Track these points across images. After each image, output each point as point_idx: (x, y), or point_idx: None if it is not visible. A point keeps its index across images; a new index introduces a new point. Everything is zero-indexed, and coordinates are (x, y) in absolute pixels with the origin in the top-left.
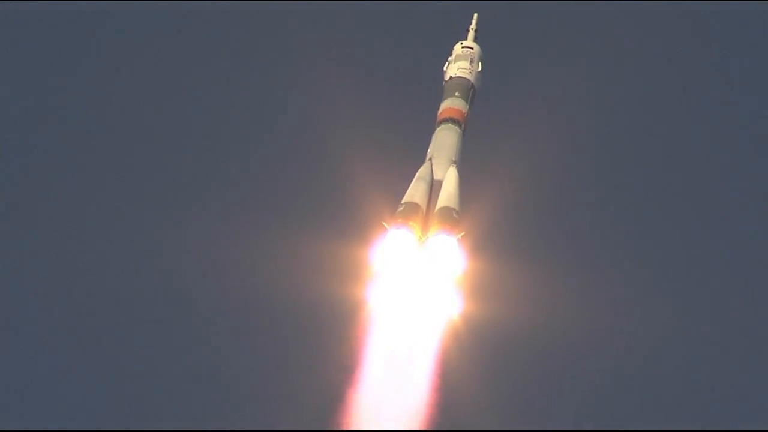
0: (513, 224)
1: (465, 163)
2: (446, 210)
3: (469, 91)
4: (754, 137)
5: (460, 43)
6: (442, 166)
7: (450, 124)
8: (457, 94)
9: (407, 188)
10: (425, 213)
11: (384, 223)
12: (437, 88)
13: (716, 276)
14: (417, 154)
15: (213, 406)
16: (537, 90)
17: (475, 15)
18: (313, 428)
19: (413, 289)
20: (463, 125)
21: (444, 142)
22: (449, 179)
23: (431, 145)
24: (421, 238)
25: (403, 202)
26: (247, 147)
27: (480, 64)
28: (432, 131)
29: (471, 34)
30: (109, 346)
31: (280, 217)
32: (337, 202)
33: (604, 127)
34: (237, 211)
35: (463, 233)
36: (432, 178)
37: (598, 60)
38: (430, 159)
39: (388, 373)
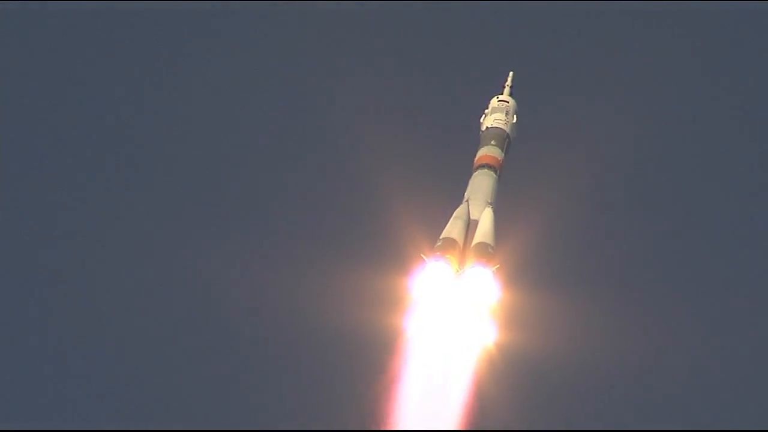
0: (545, 259)
1: (500, 205)
2: (482, 245)
3: (505, 140)
4: None
5: (496, 97)
6: (478, 207)
7: (486, 170)
8: (493, 142)
9: (445, 226)
10: (462, 249)
11: (423, 256)
12: (475, 138)
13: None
14: (455, 197)
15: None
16: (566, 138)
17: (511, 73)
18: None
19: (450, 318)
20: (498, 171)
21: (480, 185)
22: (485, 218)
23: (468, 188)
24: (457, 270)
25: (441, 237)
26: (294, 177)
27: (515, 116)
28: (469, 176)
29: (507, 90)
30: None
31: (323, 248)
32: (379, 236)
33: (623, 171)
34: (280, 241)
35: (498, 266)
36: (469, 218)
37: (619, 107)
38: (467, 200)
39: (425, 399)
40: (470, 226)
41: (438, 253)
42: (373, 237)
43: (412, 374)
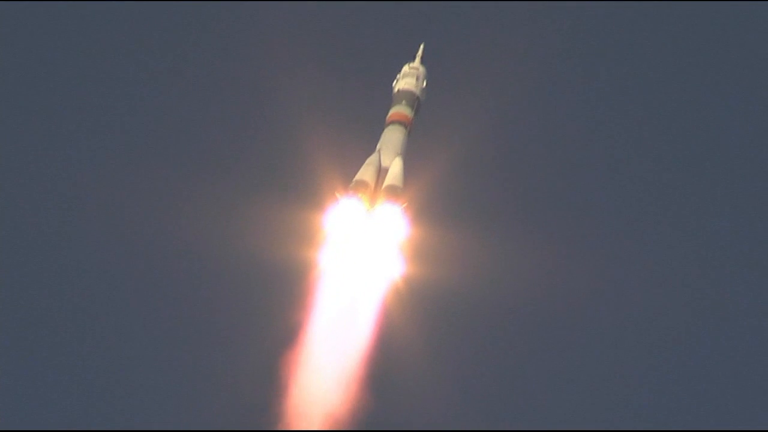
0: (448, 199)
1: (408, 156)
2: (391, 187)
3: (415, 101)
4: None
5: (408, 64)
6: (389, 156)
7: (397, 125)
8: (404, 102)
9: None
10: (373, 190)
11: (336, 194)
12: (387, 99)
13: (641, 232)
14: (368, 148)
15: (170, 352)
16: (469, 103)
17: (422, 45)
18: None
19: (361, 252)
20: (408, 127)
21: (391, 138)
22: (395, 165)
23: (380, 141)
24: (368, 209)
25: (354, 180)
26: (225, 123)
27: (425, 82)
28: (381, 131)
29: (418, 59)
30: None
31: (244, 188)
32: (297, 178)
33: (517, 131)
34: (204, 179)
35: (405, 204)
36: (380, 165)
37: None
38: (379, 150)
39: (335, 326)
40: (381, 172)
41: (351, 192)
42: (291, 179)
43: (324, 304)
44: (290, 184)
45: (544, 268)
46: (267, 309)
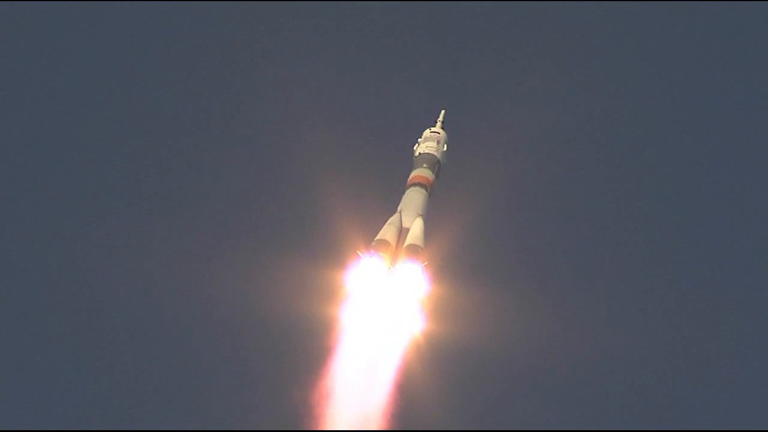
0: (468, 258)
1: (429, 216)
2: (412, 246)
3: (435, 165)
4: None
5: (429, 129)
6: (410, 217)
7: (418, 187)
8: (425, 165)
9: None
10: (394, 250)
11: (358, 252)
12: (408, 162)
13: (662, 292)
14: (389, 209)
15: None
16: (487, 165)
17: (443, 111)
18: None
19: (382, 309)
20: (429, 189)
21: (412, 199)
22: (415, 226)
23: (402, 202)
24: (389, 267)
25: (375, 239)
26: (248, 180)
27: (446, 145)
28: (403, 193)
29: (438, 124)
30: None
31: (269, 246)
32: (320, 237)
33: (532, 191)
34: (229, 237)
35: (426, 263)
36: (401, 225)
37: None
38: (400, 211)
39: (356, 380)
40: (402, 232)
41: (372, 250)
42: (314, 238)
43: (345, 359)
44: (314, 243)
45: (560, 326)
46: (290, 362)
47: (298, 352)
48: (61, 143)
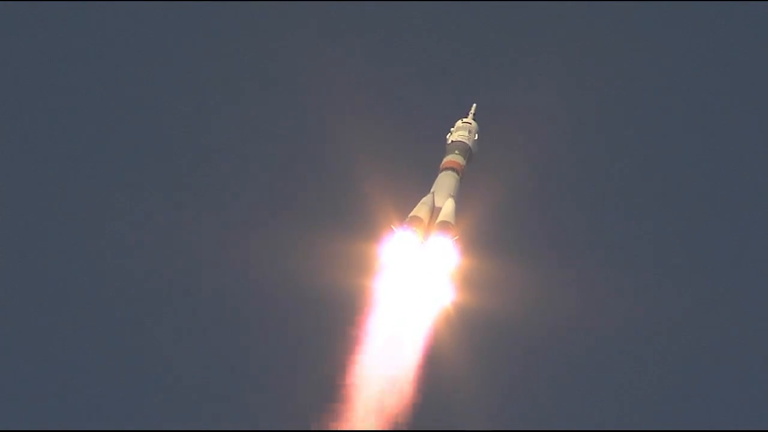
0: (497, 234)
1: (460, 198)
2: (443, 223)
3: (467, 152)
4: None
5: (461, 119)
6: (442, 198)
7: (450, 171)
8: (456, 152)
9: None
10: (426, 226)
11: (392, 227)
12: (441, 150)
13: (690, 261)
14: (422, 190)
15: (230, 372)
16: (517, 156)
17: (474, 105)
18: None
19: (414, 280)
20: (460, 173)
21: (444, 182)
22: (447, 205)
23: (435, 185)
24: (422, 241)
25: (409, 216)
26: (291, 168)
27: (477, 135)
28: (436, 176)
29: (470, 115)
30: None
31: (311, 222)
32: (357, 214)
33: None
34: (274, 213)
35: (457, 237)
36: (434, 205)
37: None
38: (433, 192)
39: (388, 346)
40: (434, 211)
41: (406, 226)
42: (352, 214)
43: (378, 327)
44: (351, 219)
45: (582, 297)
46: (327, 332)
47: (334, 321)
48: (99, 120)
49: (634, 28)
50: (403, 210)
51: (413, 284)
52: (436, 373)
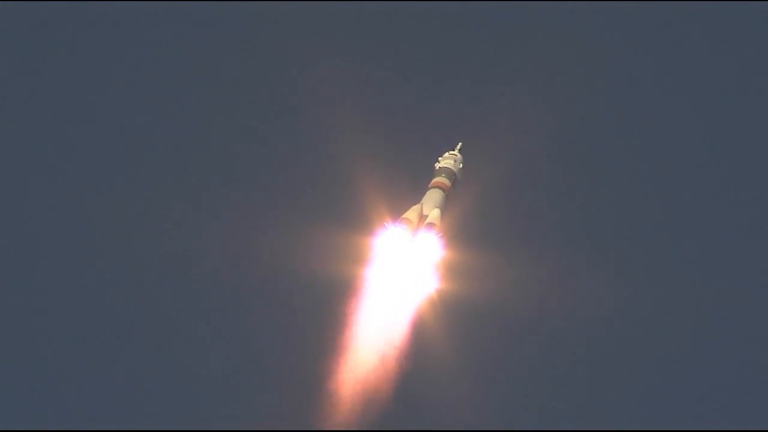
0: (477, 230)
1: (446, 212)
2: (430, 224)
3: (452, 176)
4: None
5: (448, 152)
6: (429, 208)
7: (437, 189)
8: (443, 175)
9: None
10: (415, 228)
11: (385, 223)
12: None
13: (665, 251)
14: (415, 192)
15: (232, 353)
16: (492, 177)
17: (460, 143)
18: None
19: (403, 270)
20: (446, 192)
21: (432, 197)
22: (434, 213)
23: (423, 198)
24: (410, 239)
25: (400, 218)
26: (294, 168)
27: (462, 164)
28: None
29: (456, 149)
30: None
31: (312, 218)
32: (354, 213)
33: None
34: (277, 209)
35: (441, 233)
36: (422, 212)
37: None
38: (422, 203)
39: (378, 326)
40: (422, 218)
41: (397, 222)
42: (349, 213)
43: (369, 310)
44: (348, 215)
45: (553, 285)
46: (321, 315)
47: (329, 305)
48: (99, 120)
49: (608, 56)
50: (396, 208)
51: (402, 273)
52: (421, 350)
